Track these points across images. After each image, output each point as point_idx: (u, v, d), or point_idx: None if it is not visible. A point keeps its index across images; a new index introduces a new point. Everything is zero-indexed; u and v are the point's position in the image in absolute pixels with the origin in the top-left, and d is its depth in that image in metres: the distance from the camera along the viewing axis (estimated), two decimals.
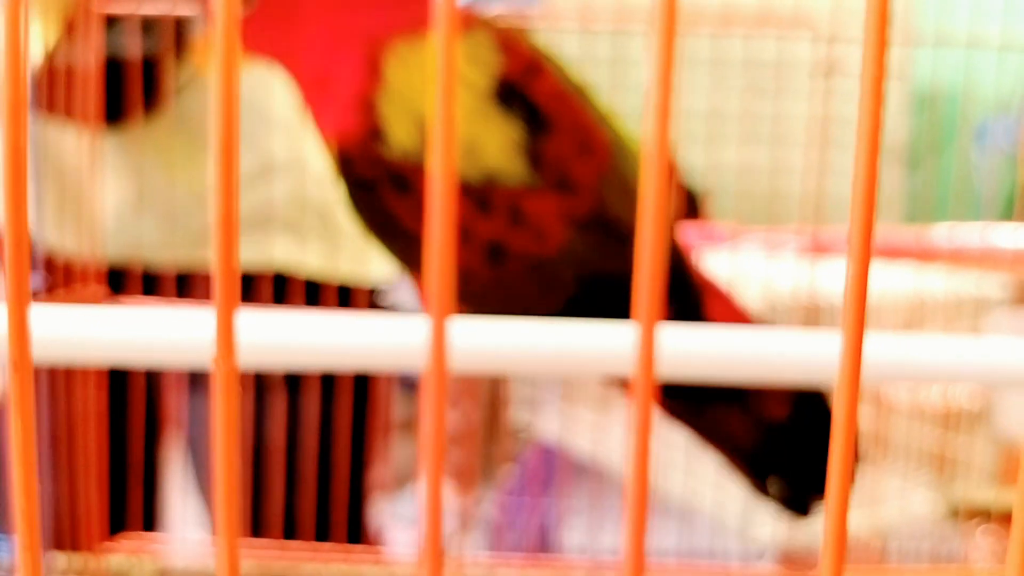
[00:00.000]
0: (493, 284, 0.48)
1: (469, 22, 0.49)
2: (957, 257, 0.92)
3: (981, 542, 0.92)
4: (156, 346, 0.32)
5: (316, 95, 0.49)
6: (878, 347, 0.33)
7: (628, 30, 0.73)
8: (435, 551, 0.18)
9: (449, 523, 1.24)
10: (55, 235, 0.70)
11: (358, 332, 0.32)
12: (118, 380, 0.73)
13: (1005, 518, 0.87)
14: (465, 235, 0.47)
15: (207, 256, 0.74)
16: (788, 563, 0.86)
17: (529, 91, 0.47)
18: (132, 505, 0.76)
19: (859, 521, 0.91)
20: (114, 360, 0.34)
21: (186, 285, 0.73)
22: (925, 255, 0.93)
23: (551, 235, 0.47)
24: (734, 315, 0.52)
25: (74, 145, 0.69)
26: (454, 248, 0.17)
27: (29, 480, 0.19)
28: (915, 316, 0.93)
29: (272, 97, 0.72)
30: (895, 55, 0.76)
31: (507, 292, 0.48)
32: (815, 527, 0.86)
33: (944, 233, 0.92)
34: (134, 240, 0.73)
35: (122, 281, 0.72)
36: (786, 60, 0.79)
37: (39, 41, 0.64)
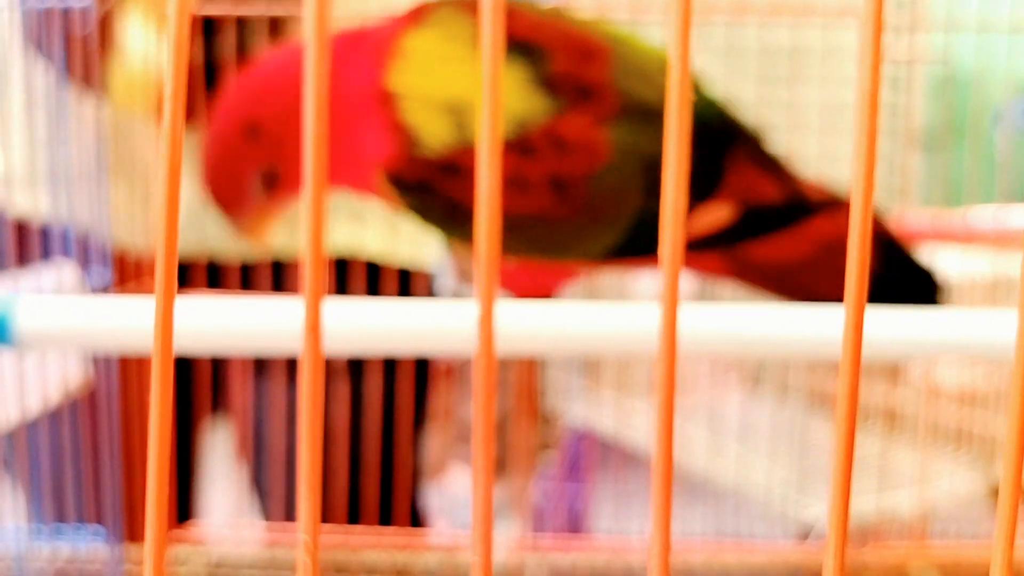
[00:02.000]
0: (570, 218, 0.49)
1: None
2: (975, 239, 0.92)
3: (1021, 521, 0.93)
4: (253, 334, 0.33)
5: (346, 152, 0.51)
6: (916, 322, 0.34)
7: (645, 20, 0.74)
8: (486, 536, 0.18)
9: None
10: (125, 231, 0.71)
11: (419, 317, 0.33)
12: (182, 370, 0.74)
13: None
14: (523, 184, 0.48)
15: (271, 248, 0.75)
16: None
17: (511, 32, 0.48)
18: (194, 494, 0.77)
19: (904, 500, 0.92)
20: (217, 349, 0.35)
21: (249, 276, 0.74)
22: (961, 238, 0.94)
23: (596, 145, 0.48)
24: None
25: (147, 142, 0.70)
26: (500, 220, 0.17)
27: (162, 470, 0.19)
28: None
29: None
30: (911, 40, 0.76)
31: (587, 219, 0.49)
32: (862, 507, 0.88)
33: (969, 216, 0.93)
34: (199, 234, 0.74)
35: (187, 275, 0.73)
36: (800, 47, 0.80)
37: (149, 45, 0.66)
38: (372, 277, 0.77)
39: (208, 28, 0.68)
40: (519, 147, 0.48)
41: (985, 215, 0.90)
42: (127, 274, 0.69)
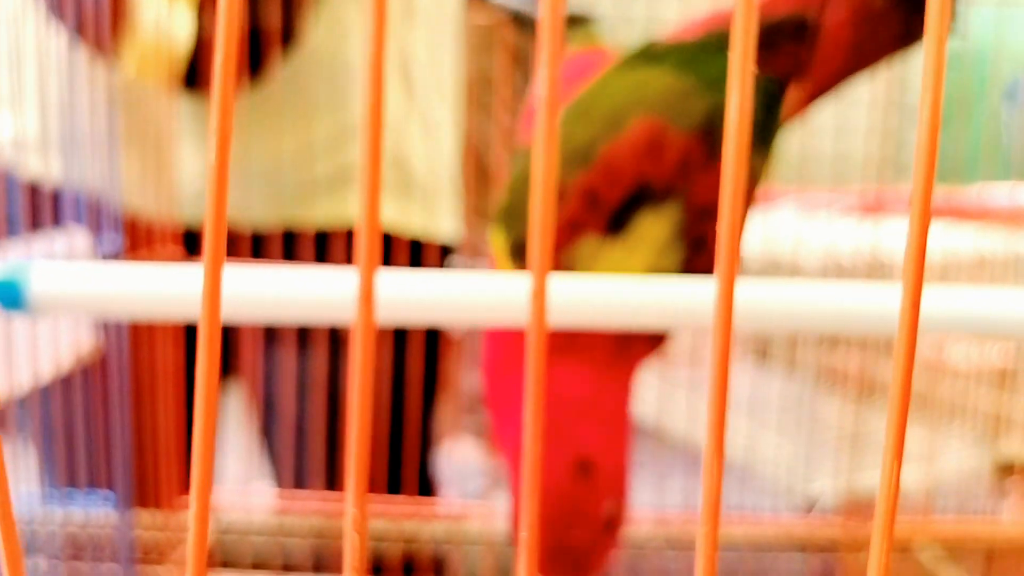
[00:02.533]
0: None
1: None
2: (987, 215, 0.92)
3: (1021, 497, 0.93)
4: (301, 303, 0.33)
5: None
6: (937, 300, 0.34)
7: None
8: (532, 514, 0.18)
9: (480, 482, 1.25)
10: (137, 198, 0.71)
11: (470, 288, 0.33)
12: (193, 336, 0.74)
13: None
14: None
15: (297, 216, 0.75)
16: (843, 515, 0.87)
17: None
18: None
19: (910, 476, 0.92)
20: (265, 318, 0.35)
21: (261, 245, 0.74)
22: (976, 215, 0.94)
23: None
24: None
25: (160, 108, 0.70)
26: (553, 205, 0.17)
27: (208, 437, 0.19)
28: (948, 274, 0.94)
29: (349, 58, 0.74)
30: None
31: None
32: (868, 481, 0.88)
33: (980, 193, 0.92)
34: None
35: (196, 243, 0.73)
36: None
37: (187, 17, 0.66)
38: (384, 248, 0.77)
39: None
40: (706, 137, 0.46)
41: (997, 192, 0.90)
42: (138, 241, 0.69)
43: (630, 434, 0.47)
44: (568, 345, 0.45)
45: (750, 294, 0.33)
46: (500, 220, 0.47)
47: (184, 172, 0.73)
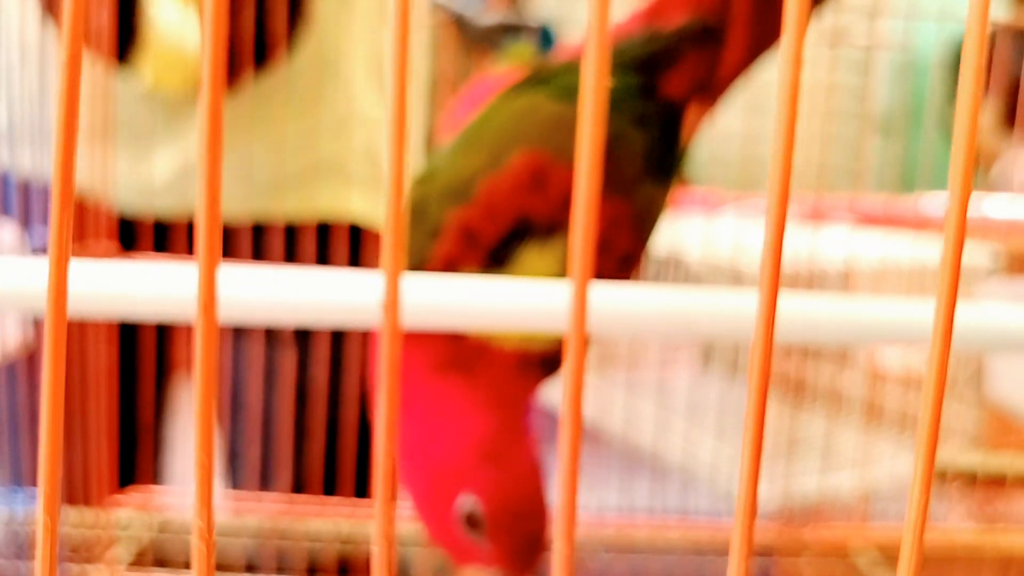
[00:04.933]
0: None
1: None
2: (929, 225, 0.93)
3: (963, 505, 0.94)
4: (302, 306, 0.33)
5: None
6: (873, 309, 0.34)
7: None
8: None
9: None
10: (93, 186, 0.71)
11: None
12: (128, 332, 0.73)
13: (991, 482, 0.90)
14: None
15: (267, 209, 0.76)
16: (779, 521, 0.88)
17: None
18: (142, 459, 0.76)
19: (846, 481, 0.93)
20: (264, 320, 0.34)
21: (229, 238, 0.74)
22: (913, 224, 0.95)
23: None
24: None
25: (136, 102, 0.70)
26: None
27: (55, 434, 0.18)
28: (903, 284, 0.95)
29: (327, 57, 0.75)
30: (871, 26, 0.77)
31: None
32: (808, 486, 0.89)
33: (932, 202, 0.93)
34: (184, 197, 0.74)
35: (131, 237, 0.72)
36: None
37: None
38: (354, 240, 0.77)
39: None
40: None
41: (938, 202, 0.91)
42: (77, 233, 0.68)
43: (532, 470, 0.44)
44: (458, 361, 0.43)
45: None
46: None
47: (155, 165, 0.72)
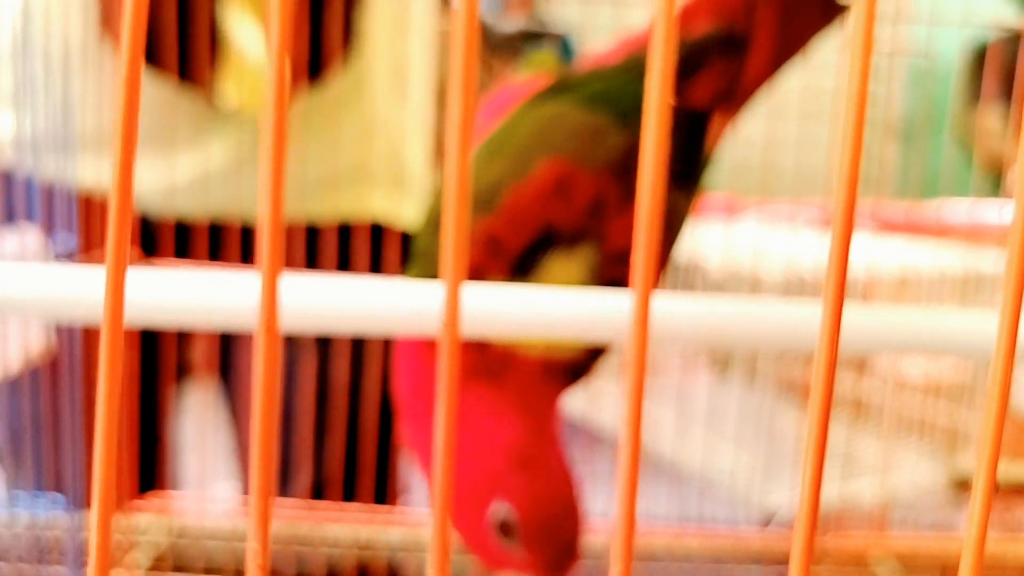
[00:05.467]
0: None
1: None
2: (949, 232, 0.93)
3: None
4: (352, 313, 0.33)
5: None
6: (886, 318, 0.33)
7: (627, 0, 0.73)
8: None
9: None
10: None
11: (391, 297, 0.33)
12: (148, 337, 0.74)
13: (1012, 491, 0.89)
14: None
15: (319, 210, 0.77)
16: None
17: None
18: (161, 463, 0.77)
19: (867, 489, 0.93)
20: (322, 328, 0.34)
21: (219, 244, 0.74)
22: (935, 231, 0.94)
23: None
24: None
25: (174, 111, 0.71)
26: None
27: (109, 444, 0.18)
28: (923, 292, 0.95)
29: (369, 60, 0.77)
30: (893, 31, 0.76)
31: None
32: (828, 494, 0.88)
33: (939, 208, 0.93)
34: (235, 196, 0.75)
35: (152, 243, 0.73)
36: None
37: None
38: (376, 238, 0.77)
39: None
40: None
41: (959, 209, 0.90)
42: (93, 240, 0.68)
43: (563, 476, 0.43)
44: (484, 369, 0.43)
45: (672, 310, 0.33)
46: (414, 263, 0.45)
47: (177, 167, 0.74)
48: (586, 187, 0.42)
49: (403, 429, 0.46)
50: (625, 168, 0.42)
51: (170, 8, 0.66)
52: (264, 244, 0.16)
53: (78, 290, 0.34)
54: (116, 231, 0.18)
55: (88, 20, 0.68)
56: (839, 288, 0.18)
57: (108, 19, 0.67)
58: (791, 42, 0.46)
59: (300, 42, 0.70)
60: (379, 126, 0.79)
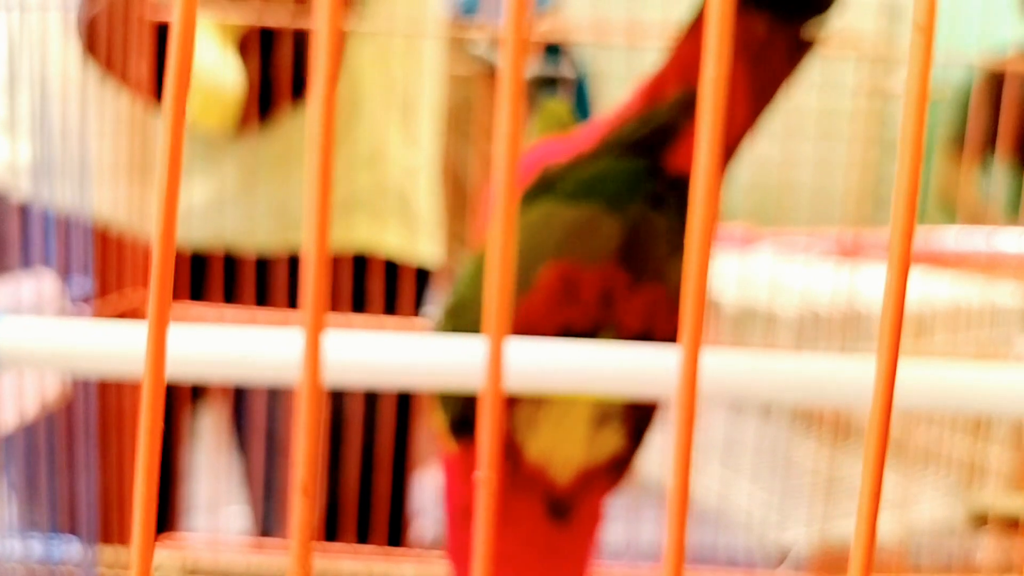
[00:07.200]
0: None
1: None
2: (964, 263, 0.92)
3: (999, 548, 0.93)
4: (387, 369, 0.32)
5: None
6: (940, 375, 0.33)
7: (642, 46, 0.73)
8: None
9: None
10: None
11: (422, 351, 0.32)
12: None
13: None
14: None
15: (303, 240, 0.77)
16: (815, 567, 0.87)
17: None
18: (176, 502, 0.77)
19: (885, 524, 0.92)
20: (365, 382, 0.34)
21: (266, 268, 0.75)
22: (934, 260, 0.94)
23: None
24: None
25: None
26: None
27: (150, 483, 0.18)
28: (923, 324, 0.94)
29: (360, 93, 0.77)
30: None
31: None
32: (842, 530, 0.87)
33: (952, 238, 0.92)
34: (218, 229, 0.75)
35: (204, 268, 0.74)
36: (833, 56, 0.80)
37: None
38: (390, 275, 0.78)
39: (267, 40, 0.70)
40: None
41: (974, 239, 0.90)
42: (109, 284, 0.69)
43: None
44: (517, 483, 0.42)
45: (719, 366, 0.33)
46: (438, 395, 0.44)
47: (191, 196, 0.74)
48: (592, 282, 0.41)
49: (448, 542, 0.45)
50: (626, 252, 0.41)
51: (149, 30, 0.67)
52: (308, 303, 0.16)
53: (97, 346, 0.34)
54: (157, 303, 0.18)
55: (68, 48, 0.68)
56: (893, 350, 0.18)
57: (91, 46, 0.68)
58: (765, 89, 0.45)
59: (280, 63, 0.70)
60: (386, 161, 0.79)
